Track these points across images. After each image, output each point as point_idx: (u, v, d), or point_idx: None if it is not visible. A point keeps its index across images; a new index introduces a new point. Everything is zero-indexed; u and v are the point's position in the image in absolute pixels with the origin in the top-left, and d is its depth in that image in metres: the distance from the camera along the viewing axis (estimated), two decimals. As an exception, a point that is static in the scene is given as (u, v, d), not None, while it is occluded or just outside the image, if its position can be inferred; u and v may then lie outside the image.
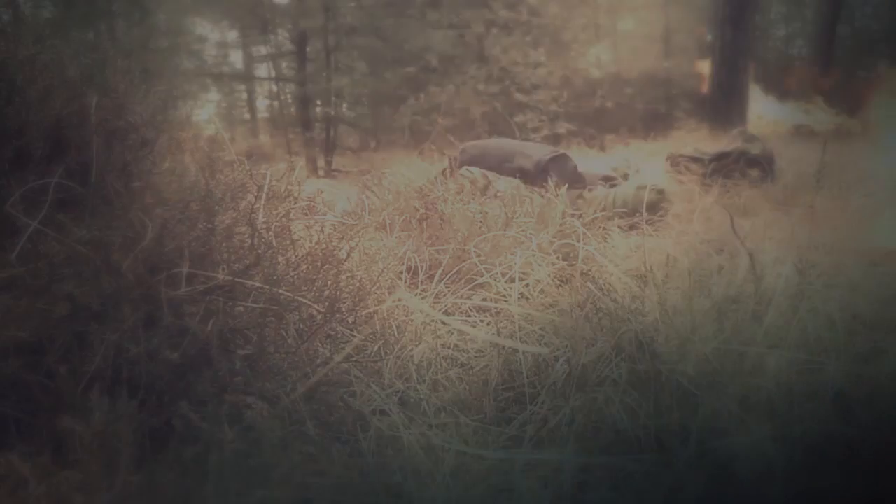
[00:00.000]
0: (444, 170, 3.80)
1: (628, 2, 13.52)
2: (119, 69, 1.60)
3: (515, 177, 3.79)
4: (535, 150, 3.99)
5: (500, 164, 3.88)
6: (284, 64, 15.28)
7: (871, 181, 5.08)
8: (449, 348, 2.09)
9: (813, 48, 15.69)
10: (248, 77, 17.40)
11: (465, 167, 3.72)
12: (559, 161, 3.94)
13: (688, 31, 12.81)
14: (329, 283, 1.57)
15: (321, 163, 11.93)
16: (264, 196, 1.57)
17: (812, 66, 15.03)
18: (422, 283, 2.48)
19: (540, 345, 1.96)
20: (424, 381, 1.89)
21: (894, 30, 16.87)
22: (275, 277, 1.45)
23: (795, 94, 12.26)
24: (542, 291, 2.38)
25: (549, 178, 3.77)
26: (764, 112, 11.09)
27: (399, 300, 1.87)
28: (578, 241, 2.60)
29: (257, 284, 1.43)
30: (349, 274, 1.80)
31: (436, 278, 2.43)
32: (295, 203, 1.65)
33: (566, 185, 3.81)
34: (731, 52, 9.88)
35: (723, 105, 9.87)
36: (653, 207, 3.63)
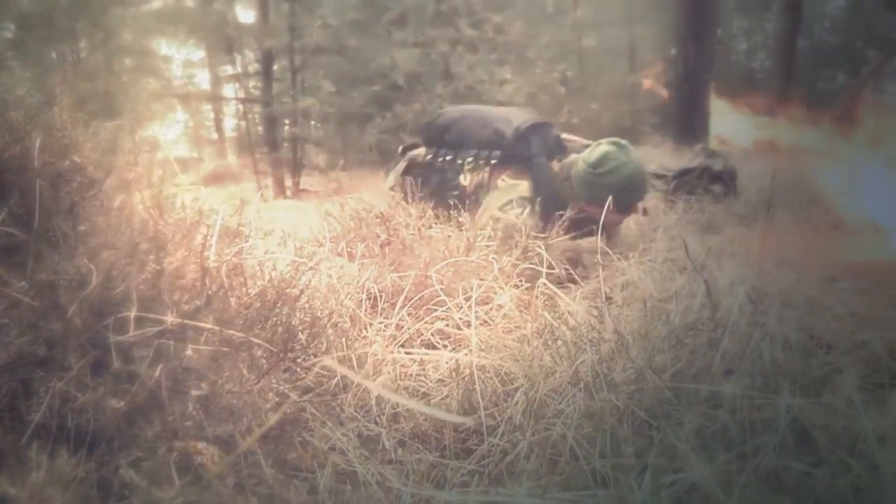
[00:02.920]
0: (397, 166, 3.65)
1: (592, 19, 13.69)
2: (66, 107, 1.58)
3: (489, 151, 3.60)
4: (517, 116, 3.71)
5: (478, 131, 3.65)
6: (251, 83, 15.27)
7: (831, 195, 5.17)
8: (410, 378, 2.07)
9: (774, 61, 15.97)
10: (214, 97, 17.35)
11: (405, 176, 3.59)
12: (540, 129, 3.66)
13: (651, 47, 12.98)
14: (283, 320, 1.55)
15: (289, 182, 11.90)
16: (216, 234, 1.55)
17: (774, 79, 15.29)
18: (383, 310, 2.46)
19: (500, 374, 1.96)
20: (384, 413, 1.88)
21: (851, 43, 17.25)
22: (226, 318, 1.43)
23: (757, 108, 12.44)
24: (504, 316, 2.37)
25: (529, 147, 3.54)
26: (726, 126, 11.24)
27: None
28: (542, 265, 2.60)
29: (209, 326, 1.41)
30: (304, 310, 1.79)
31: (398, 305, 2.41)
32: (247, 241, 1.63)
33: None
34: (693, 67, 10.00)
35: (686, 120, 9.98)
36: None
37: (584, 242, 3.34)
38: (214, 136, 19.72)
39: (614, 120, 13.06)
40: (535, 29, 12.34)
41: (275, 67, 12.77)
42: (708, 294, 1.84)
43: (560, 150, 3.70)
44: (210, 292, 1.45)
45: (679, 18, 10.31)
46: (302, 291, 1.61)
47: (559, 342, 1.94)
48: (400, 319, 2.36)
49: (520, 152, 3.53)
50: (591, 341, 1.78)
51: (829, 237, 4.21)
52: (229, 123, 19.64)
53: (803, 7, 16.01)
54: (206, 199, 1.96)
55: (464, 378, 1.89)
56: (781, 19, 15.80)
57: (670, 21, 10.93)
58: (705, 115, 10.06)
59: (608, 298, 2.57)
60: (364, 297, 2.48)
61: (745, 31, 20.48)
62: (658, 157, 8.55)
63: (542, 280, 2.32)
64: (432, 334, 2.33)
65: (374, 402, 1.91)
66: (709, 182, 5.21)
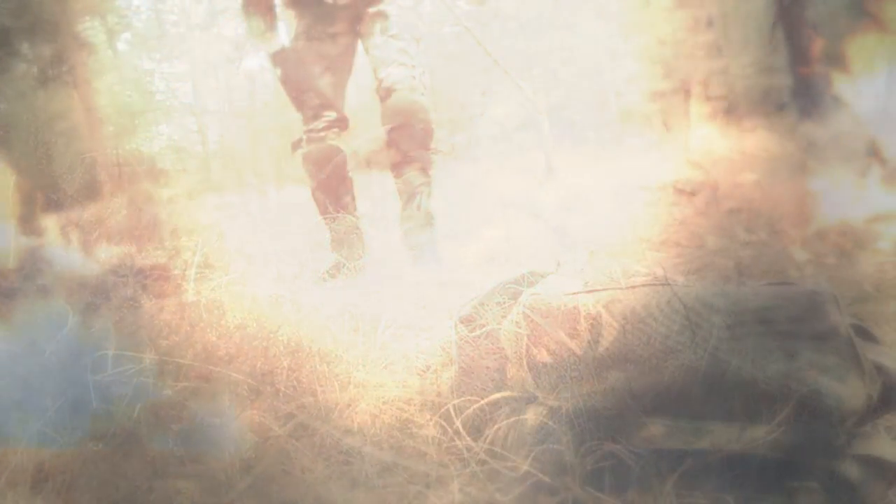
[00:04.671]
0: None
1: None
2: (40, 142, 1.57)
3: None
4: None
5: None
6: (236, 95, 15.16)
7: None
8: (393, 403, 2.06)
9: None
10: (198, 111, 17.23)
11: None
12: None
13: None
14: (261, 353, 1.55)
15: (274, 195, 11.84)
16: (195, 267, 1.55)
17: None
18: (366, 332, 2.45)
19: (483, 397, 1.94)
20: (366, 441, 1.87)
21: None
22: (205, 354, 1.43)
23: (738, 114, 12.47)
24: (488, 335, 2.36)
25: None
26: (705, 136, 11.25)
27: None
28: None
29: (187, 362, 1.41)
30: (286, 335, 1.78)
31: (380, 327, 2.40)
32: (226, 275, 1.63)
33: None
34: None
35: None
36: None
37: None
38: (199, 148, 19.63)
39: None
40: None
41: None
42: (687, 317, 1.84)
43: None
44: (188, 327, 1.44)
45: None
46: (279, 327, 1.61)
47: (541, 364, 1.93)
48: (383, 341, 2.35)
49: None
50: (572, 365, 1.77)
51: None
52: (213, 136, 19.55)
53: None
54: (189, 215, 1.95)
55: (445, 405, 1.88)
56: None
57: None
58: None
59: (590, 315, 2.56)
60: (346, 318, 2.47)
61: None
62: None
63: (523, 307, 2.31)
64: (416, 356, 2.32)
65: (356, 429, 1.91)
66: (691, 193, 5.22)
